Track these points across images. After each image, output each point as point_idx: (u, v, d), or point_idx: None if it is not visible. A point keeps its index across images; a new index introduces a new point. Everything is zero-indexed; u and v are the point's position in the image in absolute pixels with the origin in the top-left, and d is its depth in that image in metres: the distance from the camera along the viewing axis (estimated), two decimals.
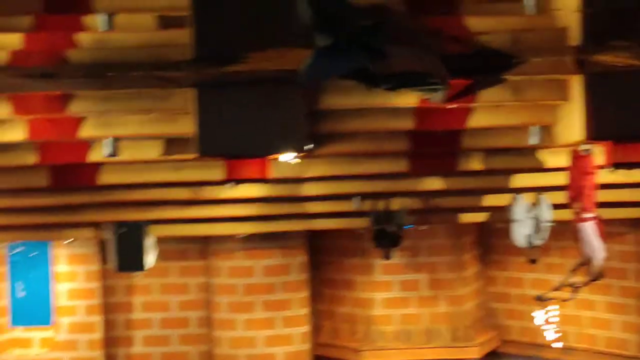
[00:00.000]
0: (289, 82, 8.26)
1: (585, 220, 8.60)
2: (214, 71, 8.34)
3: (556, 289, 9.15)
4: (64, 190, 10.03)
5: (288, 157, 9.00)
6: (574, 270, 8.98)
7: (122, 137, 9.25)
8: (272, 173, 9.37)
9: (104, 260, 11.21)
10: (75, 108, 9.02)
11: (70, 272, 11.47)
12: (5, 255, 11.54)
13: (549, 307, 9.25)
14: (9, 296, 11.55)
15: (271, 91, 8.50)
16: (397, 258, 10.99)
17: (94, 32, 9.16)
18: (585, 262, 8.81)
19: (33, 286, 11.55)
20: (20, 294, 11.52)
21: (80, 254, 11.44)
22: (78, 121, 9.17)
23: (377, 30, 7.47)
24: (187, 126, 8.84)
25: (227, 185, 9.64)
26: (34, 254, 11.49)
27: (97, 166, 9.77)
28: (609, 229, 9.24)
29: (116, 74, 8.60)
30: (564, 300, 9.18)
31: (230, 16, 8.37)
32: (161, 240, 10.89)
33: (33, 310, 11.52)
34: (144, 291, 11.67)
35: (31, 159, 9.55)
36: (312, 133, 8.68)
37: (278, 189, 10.15)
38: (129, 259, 10.41)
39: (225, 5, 8.40)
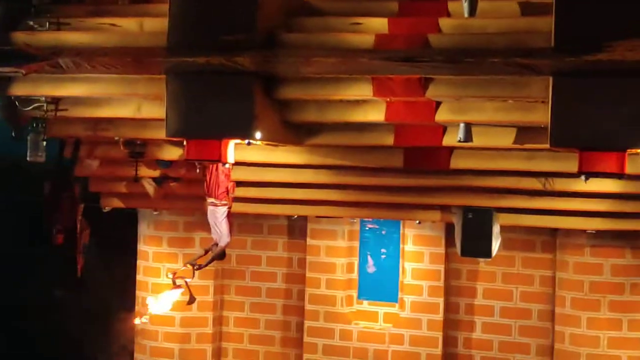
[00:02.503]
0: None
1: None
2: (573, 60, 8.19)
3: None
4: (416, 172, 10.26)
5: None
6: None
7: (476, 123, 9.31)
8: (630, 168, 9.02)
9: (450, 243, 11.35)
10: (432, 92, 9.18)
11: (416, 252, 11.70)
12: (357, 231, 11.98)
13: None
14: (358, 270, 12.00)
15: (633, 83, 8.20)
16: None
17: (457, 18, 9.28)
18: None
19: (382, 263, 11.91)
20: (370, 269, 11.92)
21: (427, 235, 11.63)
22: (434, 105, 9.34)
23: None
24: (542, 115, 8.73)
25: (580, 178, 9.43)
26: (385, 231, 11.85)
27: (449, 150, 9.90)
28: None
29: (475, 60, 8.66)
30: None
31: (593, 4, 8.17)
32: (507, 229, 10.85)
33: (380, 286, 11.88)
34: (487, 278, 11.67)
35: (388, 140, 9.84)
36: None
37: (634, 185, 9.79)
38: (475, 244, 10.47)
39: None
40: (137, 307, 12.37)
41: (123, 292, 13.09)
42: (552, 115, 8.41)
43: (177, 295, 10.76)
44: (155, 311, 10.99)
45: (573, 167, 8.92)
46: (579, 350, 11.15)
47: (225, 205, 10.29)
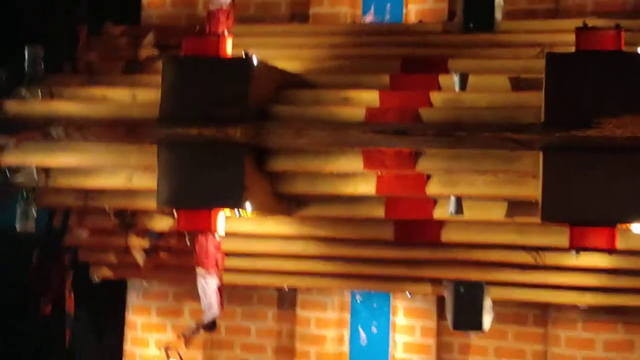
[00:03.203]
0: None
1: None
2: (563, 135, 8.23)
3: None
4: (407, 245, 10.23)
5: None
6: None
7: (467, 197, 9.31)
8: (620, 244, 9.01)
9: (441, 316, 11.26)
10: (423, 165, 9.21)
11: (407, 325, 11.61)
12: (348, 302, 11.90)
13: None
14: (349, 343, 11.89)
15: (623, 159, 8.24)
16: None
17: (448, 92, 9.34)
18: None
19: (372, 335, 11.81)
20: (361, 342, 11.82)
21: (419, 307, 11.54)
22: (425, 178, 9.36)
23: None
24: (533, 189, 8.75)
25: (571, 253, 9.40)
26: (375, 303, 11.77)
27: (441, 224, 9.89)
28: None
29: (466, 134, 8.70)
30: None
31: (584, 80, 8.24)
32: (499, 303, 10.78)
33: (371, 359, 11.77)
34: (479, 352, 11.55)
35: (378, 212, 9.84)
36: None
37: (625, 260, 9.75)
38: (467, 318, 10.39)
39: (579, 68, 8.29)
40: None
41: None
42: (543, 190, 8.42)
43: None
44: None
45: (564, 241, 8.91)
46: None
47: (215, 277, 10.25)
